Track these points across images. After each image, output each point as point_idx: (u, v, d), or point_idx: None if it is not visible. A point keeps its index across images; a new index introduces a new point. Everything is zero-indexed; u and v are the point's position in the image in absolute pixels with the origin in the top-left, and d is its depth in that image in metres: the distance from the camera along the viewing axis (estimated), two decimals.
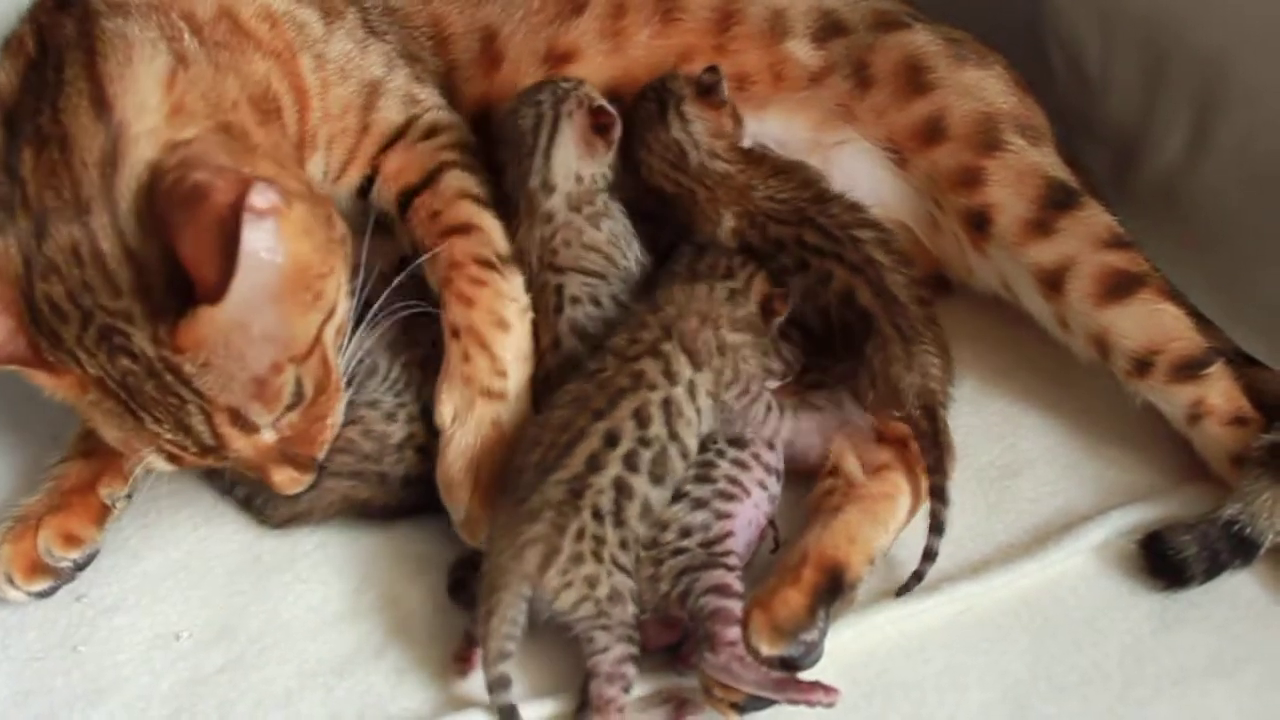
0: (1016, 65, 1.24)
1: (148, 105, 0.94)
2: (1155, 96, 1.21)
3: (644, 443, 0.98)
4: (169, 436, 0.95)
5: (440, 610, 1.02)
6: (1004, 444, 1.13)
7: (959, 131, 1.18)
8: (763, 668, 0.92)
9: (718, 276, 1.09)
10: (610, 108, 1.15)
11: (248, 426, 0.95)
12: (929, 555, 1.00)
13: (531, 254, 1.12)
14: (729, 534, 0.98)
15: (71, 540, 1.05)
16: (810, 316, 1.11)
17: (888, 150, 1.20)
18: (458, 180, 1.12)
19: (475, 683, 0.97)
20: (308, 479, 1.01)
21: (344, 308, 1.01)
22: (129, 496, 1.10)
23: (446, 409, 1.04)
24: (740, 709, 0.92)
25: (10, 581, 1.04)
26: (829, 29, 1.23)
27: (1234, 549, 1.00)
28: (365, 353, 1.06)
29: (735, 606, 0.93)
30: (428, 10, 1.22)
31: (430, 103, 1.17)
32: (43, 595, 1.05)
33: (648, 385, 1.00)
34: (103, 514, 1.08)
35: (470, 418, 1.03)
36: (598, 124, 1.14)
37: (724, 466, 1.01)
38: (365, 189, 1.14)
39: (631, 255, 1.14)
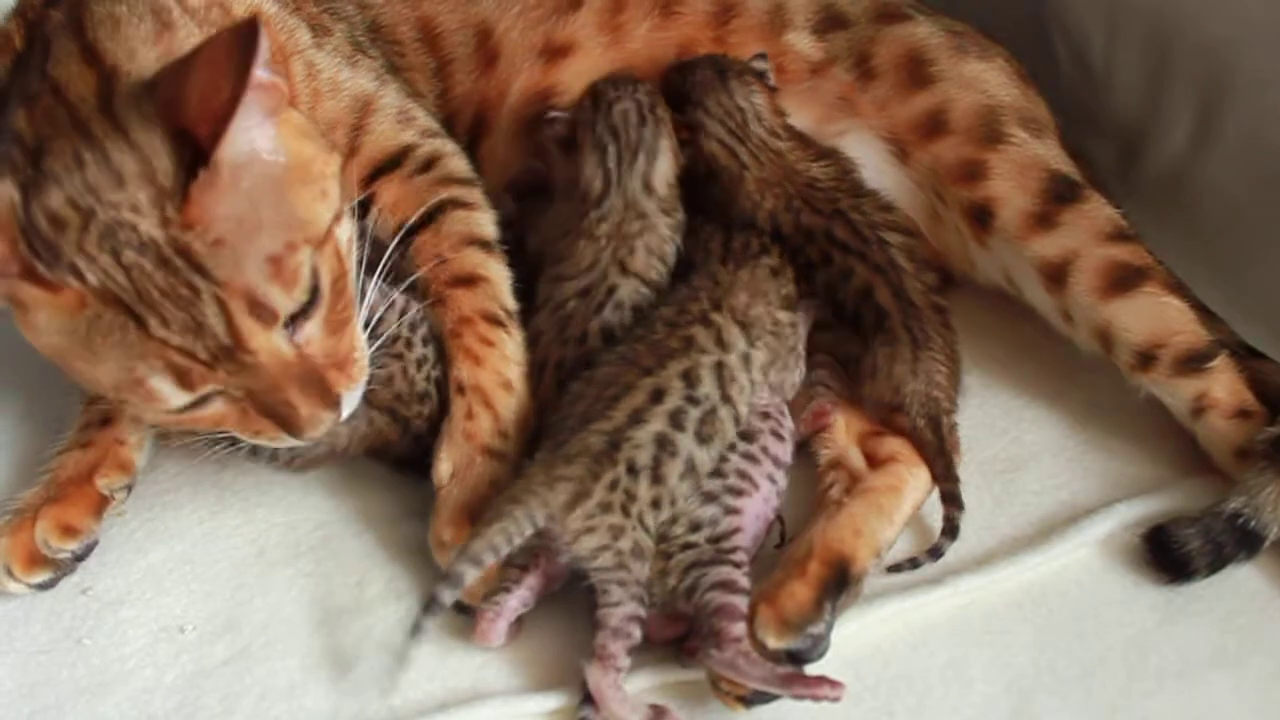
0: (1020, 58, 1.24)
1: (138, 52, 0.94)
2: (1159, 89, 1.21)
3: (692, 401, 0.99)
4: (178, 341, 0.88)
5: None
6: (1008, 437, 1.13)
7: (961, 124, 1.18)
8: (768, 663, 0.92)
9: (752, 254, 1.10)
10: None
11: (266, 316, 0.89)
12: (936, 552, 1.00)
13: (605, 244, 1.11)
14: (737, 530, 0.98)
15: (69, 531, 1.05)
16: (824, 309, 1.12)
17: (889, 143, 1.20)
18: (462, 223, 1.11)
19: (479, 675, 0.98)
20: (330, 419, 0.94)
21: (350, 225, 0.98)
22: (128, 487, 1.10)
23: (444, 466, 1.03)
24: (746, 702, 0.92)
25: (9, 574, 1.04)
26: (830, 21, 1.23)
27: (1238, 542, 1.00)
28: (386, 298, 1.05)
29: (741, 602, 0.93)
30: (416, 14, 1.21)
31: (425, 125, 1.14)
32: (43, 587, 1.05)
33: (699, 349, 1.01)
34: (100, 505, 1.08)
35: (469, 475, 1.02)
36: (679, 134, 1.15)
37: (734, 460, 1.01)
38: (361, 210, 1.10)
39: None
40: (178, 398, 0.91)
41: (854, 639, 0.97)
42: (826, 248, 1.12)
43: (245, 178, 0.88)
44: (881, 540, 1.02)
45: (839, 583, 0.98)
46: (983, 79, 1.20)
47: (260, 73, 0.87)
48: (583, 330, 1.08)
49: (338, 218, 0.95)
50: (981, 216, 1.15)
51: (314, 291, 0.92)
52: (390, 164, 1.11)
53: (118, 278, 0.87)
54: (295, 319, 0.91)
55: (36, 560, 1.04)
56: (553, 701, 0.95)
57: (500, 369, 1.06)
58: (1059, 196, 1.14)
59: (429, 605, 0.92)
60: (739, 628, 0.92)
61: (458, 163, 1.14)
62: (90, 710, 0.98)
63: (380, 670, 0.98)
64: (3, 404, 1.22)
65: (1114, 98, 1.26)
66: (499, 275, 1.10)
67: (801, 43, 1.23)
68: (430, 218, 1.09)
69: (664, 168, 1.14)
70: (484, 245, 1.11)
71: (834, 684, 0.90)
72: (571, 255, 1.11)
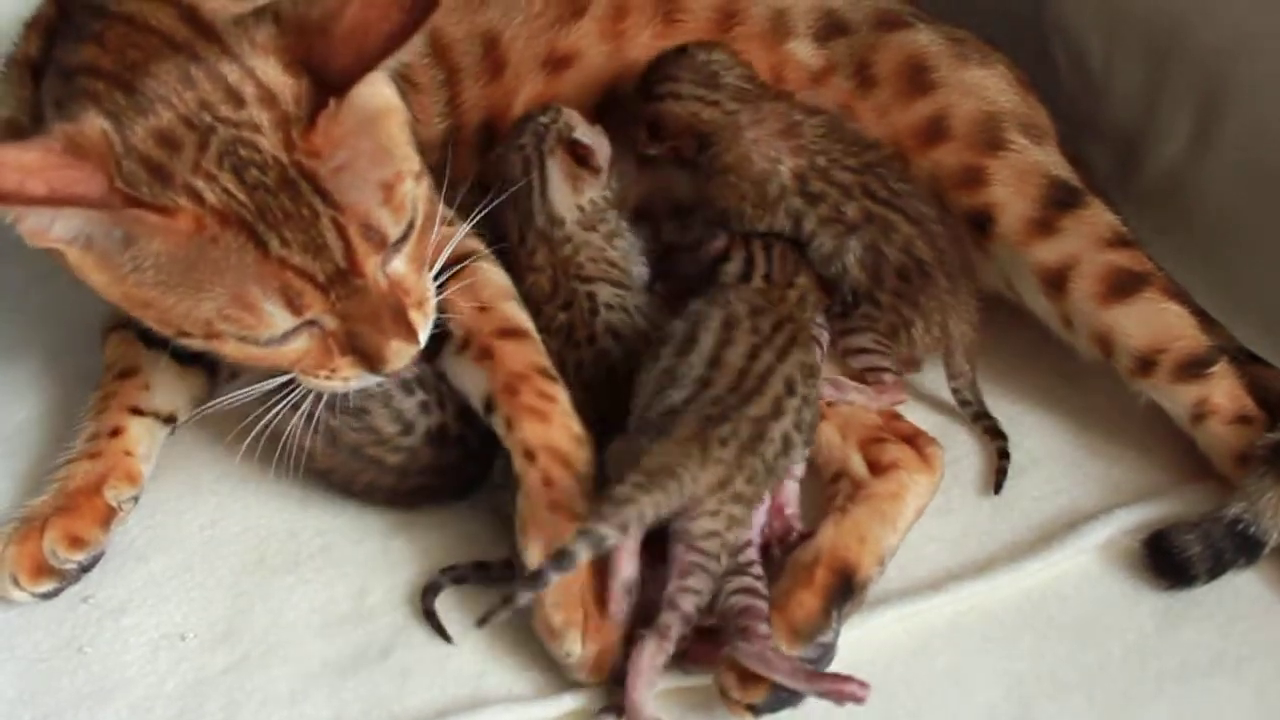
0: (1019, 64, 1.24)
1: (216, 6, 0.93)
2: (1158, 96, 1.21)
3: (806, 401, 0.98)
4: (297, 260, 0.88)
5: (445, 610, 1.02)
6: (1008, 443, 1.13)
7: (961, 131, 1.18)
8: (795, 659, 0.92)
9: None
10: (586, 138, 1.14)
11: (377, 240, 0.90)
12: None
13: (552, 271, 1.12)
14: (748, 543, 0.97)
15: (77, 543, 1.05)
16: (855, 272, 1.11)
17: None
18: (495, 275, 1.10)
19: (480, 682, 0.98)
20: (411, 352, 0.94)
21: (426, 183, 0.98)
22: (135, 498, 1.11)
23: (535, 549, 0.96)
24: (756, 711, 0.92)
25: (15, 583, 1.03)
26: (831, 28, 1.23)
27: (1238, 548, 1.00)
28: None
29: (763, 605, 0.93)
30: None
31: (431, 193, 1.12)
32: (47, 596, 1.05)
33: (800, 346, 1.01)
34: (108, 516, 1.07)
35: None
36: (577, 157, 1.14)
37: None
38: None
39: (639, 269, 1.16)
40: (284, 322, 0.90)
41: (855, 645, 0.97)
42: (867, 204, 1.11)
43: (366, 110, 0.89)
44: (885, 547, 1.02)
45: (845, 590, 0.98)
46: (983, 85, 1.20)
47: None
48: (589, 332, 1.09)
49: (421, 175, 0.96)
50: (982, 222, 1.16)
51: (411, 223, 0.93)
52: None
53: (240, 196, 0.86)
54: (395, 246, 0.93)
55: (43, 570, 1.04)
56: (554, 708, 0.95)
57: (569, 424, 1.01)
58: (1059, 202, 1.14)
59: (560, 558, 0.86)
60: (765, 626, 0.92)
61: (475, 240, 1.13)
62: (91, 718, 0.98)
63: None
64: (9, 413, 1.22)
65: (1113, 104, 1.26)
66: (535, 332, 1.08)
67: (803, 50, 1.23)
68: (459, 267, 1.07)
69: (559, 198, 1.14)
70: (518, 299, 1.10)
71: (861, 684, 0.89)
72: (534, 289, 1.12)
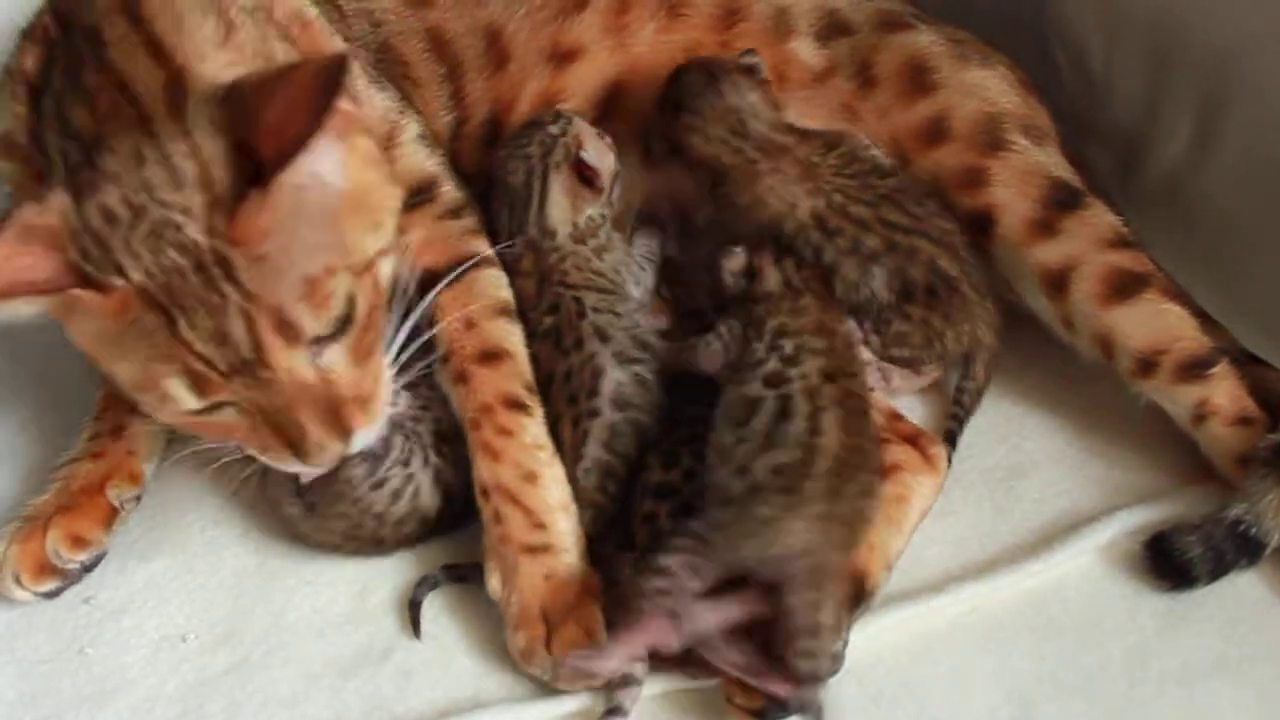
0: (1021, 65, 1.24)
1: (208, 54, 0.95)
2: (1160, 96, 1.21)
3: None
4: (200, 348, 0.88)
5: (445, 612, 1.03)
6: (1009, 445, 1.13)
7: (962, 132, 1.18)
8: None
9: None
10: (592, 159, 1.14)
11: (292, 335, 0.89)
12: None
13: (539, 277, 1.12)
14: None
15: (79, 542, 1.05)
16: (884, 296, 1.12)
17: (891, 151, 1.20)
18: (494, 286, 1.10)
19: (481, 683, 0.98)
20: (339, 450, 0.94)
21: (394, 262, 0.98)
22: (137, 498, 1.11)
23: (493, 579, 1.00)
24: (760, 715, 0.92)
25: (18, 582, 1.04)
26: (833, 28, 1.23)
27: (1239, 549, 1.00)
28: None
29: None
30: (425, 25, 1.20)
31: (443, 159, 1.14)
32: (50, 596, 1.05)
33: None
34: (111, 515, 1.08)
35: (519, 580, 0.98)
36: (582, 176, 1.14)
37: None
38: None
39: (643, 286, 1.15)
40: (190, 403, 0.91)
41: (857, 647, 0.97)
42: (886, 234, 1.12)
43: (299, 199, 0.88)
44: (892, 551, 1.02)
45: (856, 598, 0.98)
46: (984, 86, 1.20)
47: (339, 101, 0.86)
48: (577, 336, 1.08)
49: (384, 251, 0.95)
50: (983, 224, 1.16)
51: (346, 319, 0.91)
52: (420, 193, 1.10)
53: (156, 275, 0.88)
54: (321, 341, 0.91)
55: (45, 570, 1.05)
56: (555, 709, 0.95)
57: (520, 460, 1.02)
58: (1060, 203, 1.14)
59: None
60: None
61: (477, 215, 1.13)
62: (92, 719, 0.98)
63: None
64: (5, 414, 1.22)
65: (1114, 106, 1.26)
66: (520, 348, 1.08)
67: (804, 50, 1.23)
68: (460, 276, 1.07)
69: (556, 213, 1.13)
70: (509, 314, 1.10)
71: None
72: (521, 293, 1.12)
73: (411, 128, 1.12)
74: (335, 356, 0.92)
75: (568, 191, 1.14)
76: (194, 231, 0.87)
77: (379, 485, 1.03)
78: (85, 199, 0.89)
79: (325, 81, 0.85)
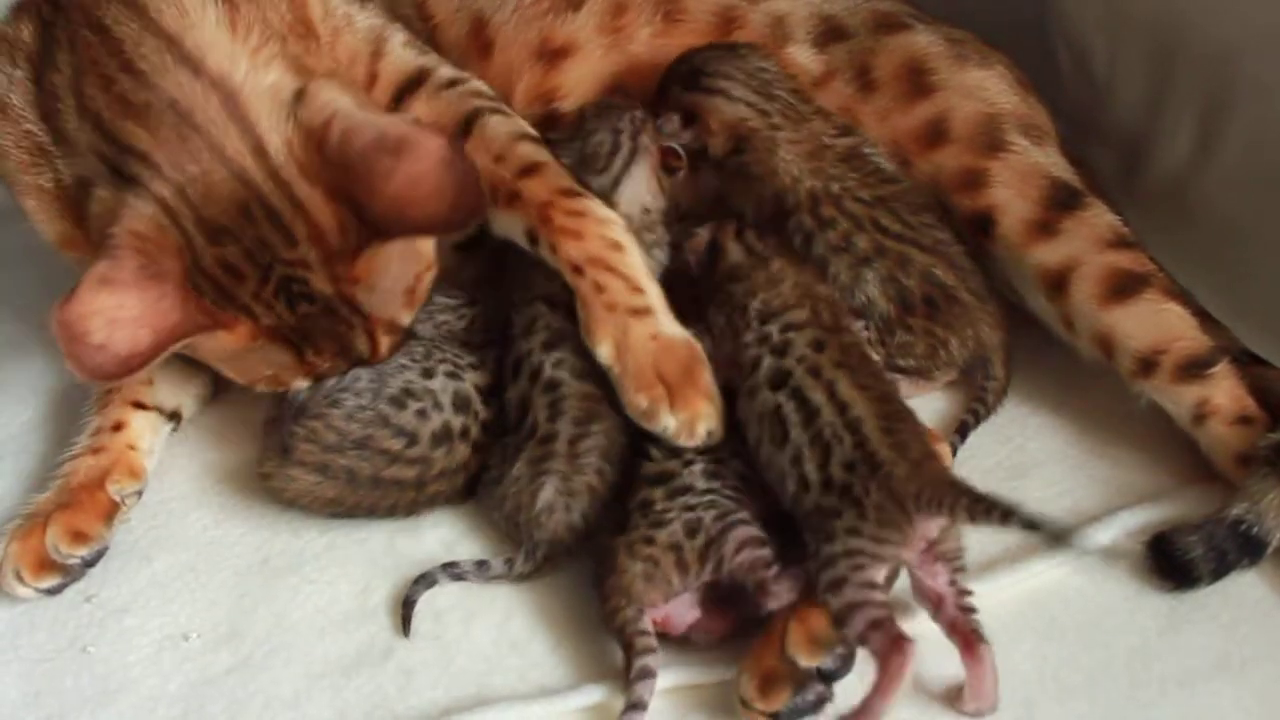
0: (1022, 65, 1.25)
1: (232, 55, 0.98)
2: (1162, 96, 1.21)
3: None
4: (327, 363, 1.03)
5: (446, 610, 1.03)
6: (1011, 445, 1.13)
7: (962, 133, 1.18)
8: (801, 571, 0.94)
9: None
10: (681, 149, 1.16)
11: (396, 329, 1.04)
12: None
13: None
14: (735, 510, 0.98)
15: (79, 538, 1.05)
16: (880, 302, 1.12)
17: (891, 153, 1.20)
18: (503, 125, 1.12)
19: (484, 680, 0.98)
20: (399, 338, 1.06)
21: None
22: (139, 493, 1.11)
23: (604, 346, 1.03)
24: (776, 719, 0.92)
25: (19, 578, 1.04)
26: (829, 34, 1.24)
27: (1241, 548, 1.00)
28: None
29: (766, 552, 0.95)
30: None
31: (437, 57, 1.16)
32: (51, 592, 1.05)
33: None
34: (111, 511, 1.08)
35: (631, 341, 1.02)
36: (666, 164, 1.15)
37: (735, 464, 1.02)
38: None
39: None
40: (303, 385, 1.05)
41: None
42: (878, 237, 1.13)
43: (401, 242, 0.97)
44: None
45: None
46: (983, 87, 1.20)
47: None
48: None
49: None
50: (983, 225, 1.16)
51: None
52: (412, 83, 1.13)
53: (289, 321, 0.99)
54: None
55: (46, 565, 1.05)
56: (558, 705, 0.95)
57: (603, 233, 1.06)
58: (1060, 204, 1.14)
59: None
60: (773, 570, 0.94)
61: (479, 83, 1.16)
62: (94, 718, 0.98)
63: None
64: (11, 413, 1.22)
65: (1116, 105, 1.26)
66: (552, 159, 1.11)
67: (802, 56, 1.24)
68: (469, 126, 1.11)
69: (630, 192, 1.13)
70: (531, 138, 1.12)
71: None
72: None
73: (397, 36, 1.15)
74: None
75: (651, 174, 1.14)
76: (319, 283, 0.97)
77: (335, 403, 1.06)
78: (198, 246, 0.95)
79: (462, 177, 0.93)
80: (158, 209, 0.94)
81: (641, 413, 1.01)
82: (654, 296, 1.06)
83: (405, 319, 1.04)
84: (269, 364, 1.02)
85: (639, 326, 1.03)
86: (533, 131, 1.13)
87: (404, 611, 1.01)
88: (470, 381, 1.10)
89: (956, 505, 0.91)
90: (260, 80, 0.97)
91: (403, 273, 1.01)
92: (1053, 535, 0.93)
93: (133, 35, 0.98)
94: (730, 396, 1.04)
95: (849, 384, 0.98)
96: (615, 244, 1.06)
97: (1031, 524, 0.89)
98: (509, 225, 1.10)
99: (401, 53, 1.14)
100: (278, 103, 0.96)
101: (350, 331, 1.01)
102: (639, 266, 1.06)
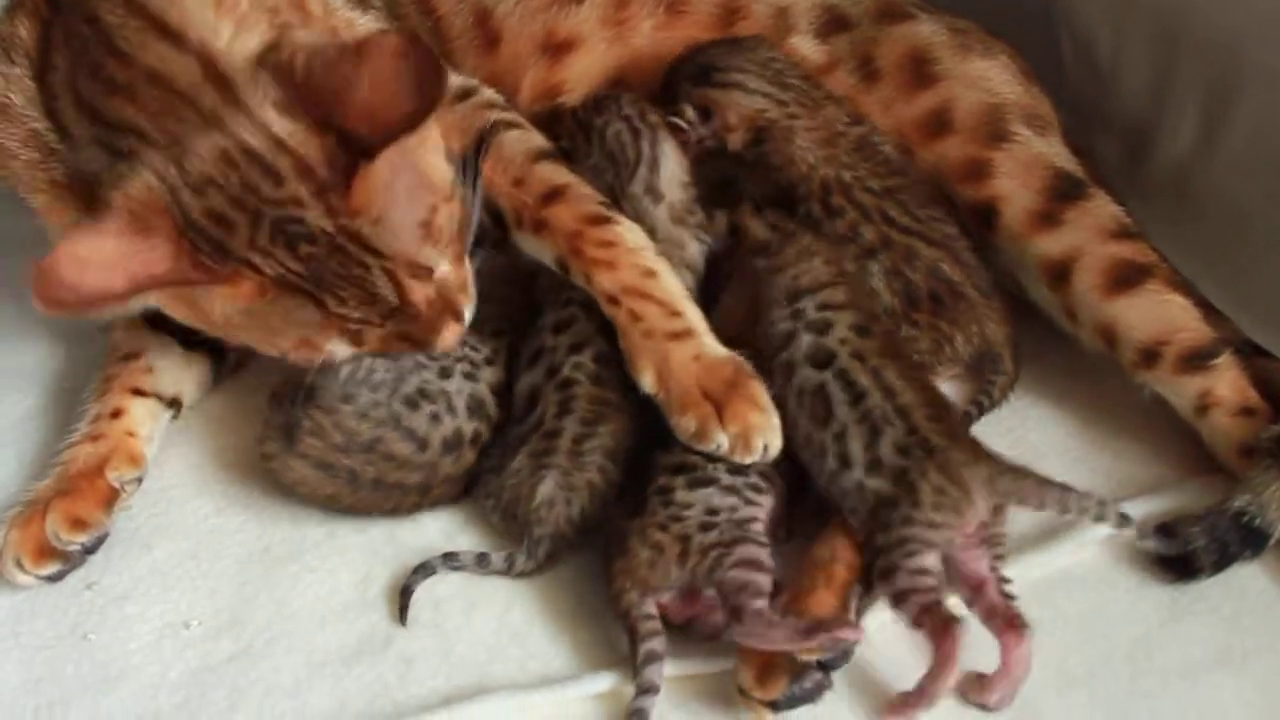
0: (1027, 55, 1.24)
1: (214, 25, 0.96)
2: (1166, 86, 1.21)
3: None
4: (356, 314, 0.96)
5: (447, 600, 1.03)
6: (1013, 436, 1.13)
7: (965, 123, 1.18)
8: (789, 621, 0.92)
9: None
10: (683, 124, 1.15)
11: (423, 273, 0.97)
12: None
13: None
14: (755, 519, 0.98)
15: (79, 524, 1.05)
16: (884, 295, 1.12)
17: (895, 144, 1.20)
18: (519, 142, 1.12)
19: (485, 669, 0.98)
20: (460, 332, 1.02)
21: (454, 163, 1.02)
22: (139, 480, 1.11)
23: (647, 375, 1.02)
24: (775, 707, 0.92)
25: (19, 566, 1.04)
26: (832, 24, 1.24)
27: (1243, 540, 1.00)
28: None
29: (764, 581, 0.94)
30: None
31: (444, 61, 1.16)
32: (52, 579, 1.05)
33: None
34: (111, 497, 1.08)
35: (673, 366, 1.02)
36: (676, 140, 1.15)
37: None
38: None
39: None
40: (346, 353, 0.99)
41: (863, 639, 0.96)
42: (884, 229, 1.13)
43: (397, 159, 0.91)
44: None
45: (863, 585, 0.97)
46: (986, 77, 1.20)
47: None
48: None
49: (449, 162, 1.00)
50: (986, 215, 1.16)
51: (451, 235, 0.99)
52: None
53: (294, 267, 0.93)
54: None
55: (46, 552, 1.04)
56: (558, 694, 0.95)
57: (635, 261, 1.06)
58: (1063, 194, 1.14)
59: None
60: (759, 603, 0.92)
61: (491, 92, 1.16)
62: (95, 706, 0.98)
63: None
64: (12, 401, 1.22)
65: (1121, 95, 1.26)
66: (572, 176, 1.11)
67: (805, 46, 1.24)
68: (484, 143, 1.10)
69: (669, 170, 1.13)
70: (549, 155, 1.12)
71: (855, 627, 0.92)
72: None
73: None
74: (445, 266, 0.99)
75: (676, 145, 1.14)
76: (316, 219, 0.92)
77: (348, 398, 1.05)
78: (185, 200, 0.92)
79: (419, 62, 0.89)
80: (149, 173, 0.93)
81: (692, 434, 0.99)
82: (693, 318, 1.05)
83: (432, 258, 0.97)
84: (294, 324, 0.97)
85: (679, 350, 1.02)
86: (548, 145, 1.13)
87: (401, 600, 1.01)
88: (486, 381, 1.09)
89: (1042, 493, 0.93)
90: (243, 45, 0.95)
91: (412, 204, 0.95)
92: (1117, 516, 0.95)
93: (118, 21, 0.97)
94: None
95: (895, 373, 0.99)
96: (648, 271, 1.05)
97: (1099, 510, 0.93)
98: (537, 250, 1.10)
99: None
100: (253, 58, 0.94)
101: (367, 273, 0.94)
102: (675, 290, 1.05)
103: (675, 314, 1.04)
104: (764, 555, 0.95)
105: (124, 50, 0.96)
